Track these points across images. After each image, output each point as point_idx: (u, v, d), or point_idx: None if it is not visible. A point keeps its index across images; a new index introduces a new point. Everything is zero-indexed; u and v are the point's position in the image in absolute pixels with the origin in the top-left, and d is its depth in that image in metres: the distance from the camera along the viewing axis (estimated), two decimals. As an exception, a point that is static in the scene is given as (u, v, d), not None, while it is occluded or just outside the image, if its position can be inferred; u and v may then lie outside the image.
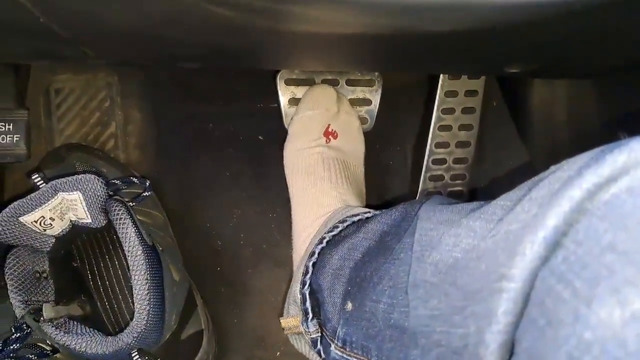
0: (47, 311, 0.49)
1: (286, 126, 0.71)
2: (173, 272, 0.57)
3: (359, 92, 0.72)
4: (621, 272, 0.24)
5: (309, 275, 0.57)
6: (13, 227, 0.51)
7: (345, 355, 0.49)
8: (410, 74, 0.79)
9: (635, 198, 0.25)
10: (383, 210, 0.55)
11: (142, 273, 0.50)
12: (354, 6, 0.30)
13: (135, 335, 0.49)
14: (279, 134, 0.72)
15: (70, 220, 0.55)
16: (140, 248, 0.51)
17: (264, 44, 0.44)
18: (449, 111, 0.73)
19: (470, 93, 0.72)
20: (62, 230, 0.55)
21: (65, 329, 0.50)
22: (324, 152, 0.66)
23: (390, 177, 0.79)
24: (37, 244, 0.54)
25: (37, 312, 0.50)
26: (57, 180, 0.52)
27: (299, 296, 0.57)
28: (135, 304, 0.50)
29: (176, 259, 0.63)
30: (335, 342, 0.50)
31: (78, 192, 0.52)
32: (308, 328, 0.55)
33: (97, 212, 0.54)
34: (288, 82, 0.70)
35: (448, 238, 0.38)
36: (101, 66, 0.73)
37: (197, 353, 0.61)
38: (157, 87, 0.76)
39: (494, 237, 0.33)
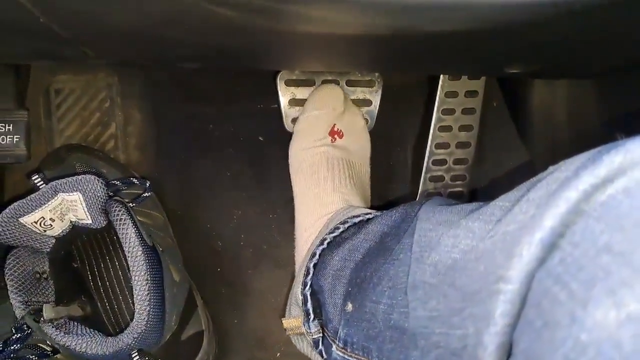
0: (48, 312, 0.49)
1: (286, 127, 0.71)
2: (173, 273, 0.57)
3: (359, 93, 0.72)
4: (617, 274, 0.24)
5: (310, 276, 0.57)
6: (13, 227, 0.51)
7: (346, 356, 0.49)
8: (411, 75, 0.79)
9: (632, 199, 0.25)
10: (383, 211, 0.55)
11: (143, 274, 0.50)
12: (354, 6, 0.30)
13: (135, 335, 0.49)
14: (279, 135, 0.72)
15: (71, 221, 0.55)
16: (141, 249, 0.51)
17: (264, 44, 0.44)
18: (449, 112, 0.73)
19: (471, 94, 0.72)
20: (62, 231, 0.55)
21: (65, 329, 0.50)
22: (328, 151, 0.66)
23: (390, 178, 0.79)
24: (37, 245, 0.54)
25: (37, 313, 0.50)
26: (57, 181, 0.52)
27: (300, 297, 0.57)
28: (136, 305, 0.50)
29: (176, 260, 0.63)
30: (337, 342, 0.51)
31: (78, 192, 0.52)
32: (310, 329, 0.55)
33: (97, 213, 0.54)
34: (288, 83, 0.70)
35: (447, 239, 0.38)
36: (101, 66, 0.73)
37: (197, 354, 0.61)
38: (157, 88, 0.76)
39: (492, 238, 0.33)
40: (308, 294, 0.56)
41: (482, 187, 0.80)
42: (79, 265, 0.61)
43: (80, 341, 0.49)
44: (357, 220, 0.57)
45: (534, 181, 0.33)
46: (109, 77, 0.74)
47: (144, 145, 0.75)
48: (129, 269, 0.51)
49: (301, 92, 0.70)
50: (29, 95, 0.69)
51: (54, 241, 0.55)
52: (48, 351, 0.53)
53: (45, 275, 0.54)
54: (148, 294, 0.50)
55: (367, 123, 0.72)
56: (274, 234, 0.76)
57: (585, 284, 0.25)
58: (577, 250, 0.26)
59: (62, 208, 0.53)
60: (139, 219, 0.55)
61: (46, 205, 0.52)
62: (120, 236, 0.52)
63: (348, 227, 0.58)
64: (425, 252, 0.40)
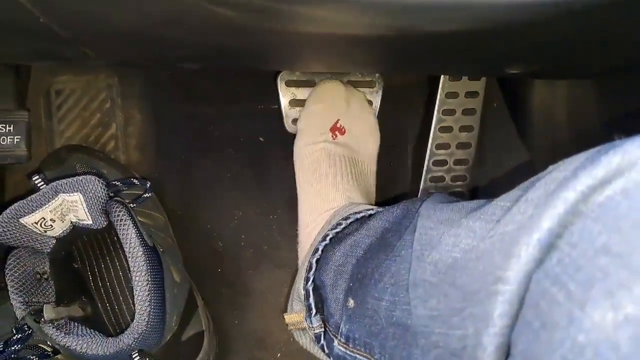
0: (48, 312, 0.49)
1: (287, 127, 0.72)
2: (174, 273, 0.57)
3: (360, 93, 0.71)
4: (615, 275, 0.24)
5: (312, 272, 0.57)
6: (14, 228, 0.51)
7: (348, 352, 0.49)
8: (411, 75, 0.79)
9: (630, 200, 0.25)
10: (385, 207, 0.55)
11: (143, 274, 0.50)
12: (355, 6, 0.30)
13: (135, 336, 0.49)
14: (280, 135, 0.72)
15: (71, 222, 0.55)
16: (141, 249, 0.51)
17: (264, 44, 0.44)
18: (449, 112, 0.73)
19: (471, 94, 0.72)
20: (62, 232, 0.55)
21: (66, 330, 0.50)
22: (330, 148, 0.66)
23: (390, 179, 0.79)
24: (38, 245, 0.54)
25: (37, 313, 0.50)
26: (57, 181, 0.52)
27: (302, 292, 0.57)
28: (136, 305, 0.50)
29: (177, 260, 0.63)
30: (339, 338, 0.51)
31: (79, 193, 0.52)
32: (311, 323, 0.55)
33: (98, 214, 0.54)
34: (289, 84, 0.70)
35: (448, 238, 0.38)
36: (102, 67, 0.73)
37: (197, 354, 0.61)
38: (157, 88, 0.76)
39: (492, 239, 0.33)
40: (310, 289, 0.57)
41: (482, 187, 0.80)
42: (80, 265, 0.61)
43: (80, 342, 0.49)
44: (359, 216, 0.58)
45: (533, 180, 0.33)
46: (110, 78, 0.74)
47: (144, 145, 0.75)
48: (129, 269, 0.51)
49: (302, 93, 0.70)
50: (29, 96, 0.69)
51: (54, 242, 0.55)
52: (49, 352, 0.53)
53: (45, 276, 0.54)
54: (148, 294, 0.50)
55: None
56: (274, 234, 0.76)
57: (583, 285, 0.25)
58: (575, 251, 0.26)
59: (63, 208, 0.53)
60: (139, 219, 0.55)
61: (47, 205, 0.52)
62: (120, 237, 0.52)
63: (350, 223, 0.58)
64: (426, 250, 0.40)
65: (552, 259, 0.27)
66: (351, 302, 0.50)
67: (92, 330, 0.51)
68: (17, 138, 0.59)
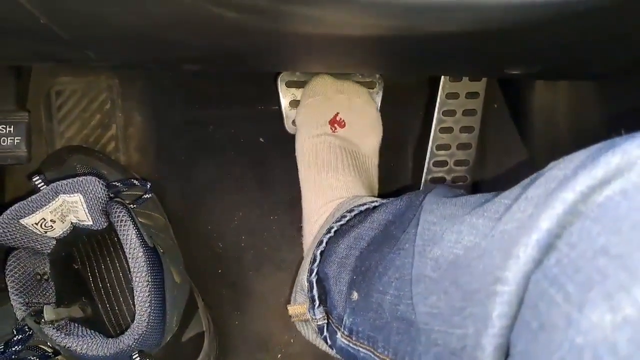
0: (48, 313, 0.49)
1: (287, 128, 0.72)
2: (174, 275, 0.57)
3: (360, 94, 0.71)
4: (614, 277, 0.23)
5: (316, 264, 0.57)
6: (14, 229, 0.51)
7: (351, 344, 0.49)
8: (411, 76, 0.79)
9: (629, 201, 0.25)
10: (389, 199, 0.55)
11: (143, 275, 0.50)
12: (356, 6, 0.30)
13: (136, 337, 0.49)
14: (280, 137, 0.72)
15: (71, 223, 0.55)
16: (141, 250, 0.51)
17: (265, 45, 0.44)
18: (450, 113, 0.73)
19: (472, 95, 0.72)
20: (63, 232, 0.55)
21: (66, 331, 0.50)
22: (329, 140, 0.66)
23: (391, 179, 0.79)
24: (38, 246, 0.54)
25: (38, 314, 0.50)
26: (57, 182, 0.52)
27: (306, 284, 0.57)
28: (136, 306, 0.50)
29: (177, 261, 0.63)
30: (342, 330, 0.51)
31: (79, 194, 0.52)
32: (315, 315, 0.55)
33: (98, 214, 0.54)
34: (289, 84, 0.70)
35: (450, 234, 0.38)
36: (102, 68, 0.73)
37: (198, 355, 0.61)
38: (157, 90, 0.76)
39: (492, 237, 0.33)
40: (314, 280, 0.56)
41: (482, 188, 0.80)
42: (80, 266, 0.61)
43: (81, 342, 0.49)
44: (363, 208, 0.58)
45: (533, 178, 0.33)
46: (110, 79, 0.74)
47: (145, 146, 0.75)
48: (129, 270, 0.51)
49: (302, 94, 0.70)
50: (29, 97, 0.69)
51: (54, 242, 0.55)
52: (49, 352, 0.53)
53: (46, 277, 0.54)
54: (149, 295, 0.50)
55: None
56: (275, 236, 0.76)
57: (582, 286, 0.24)
58: (573, 251, 0.26)
59: (63, 209, 0.53)
60: (139, 220, 0.55)
61: (47, 206, 0.52)
62: (121, 237, 0.52)
63: (354, 215, 0.58)
64: (428, 246, 0.40)
65: (550, 260, 0.27)
66: (355, 295, 0.50)
67: (92, 331, 0.51)
68: (17, 139, 0.59)
